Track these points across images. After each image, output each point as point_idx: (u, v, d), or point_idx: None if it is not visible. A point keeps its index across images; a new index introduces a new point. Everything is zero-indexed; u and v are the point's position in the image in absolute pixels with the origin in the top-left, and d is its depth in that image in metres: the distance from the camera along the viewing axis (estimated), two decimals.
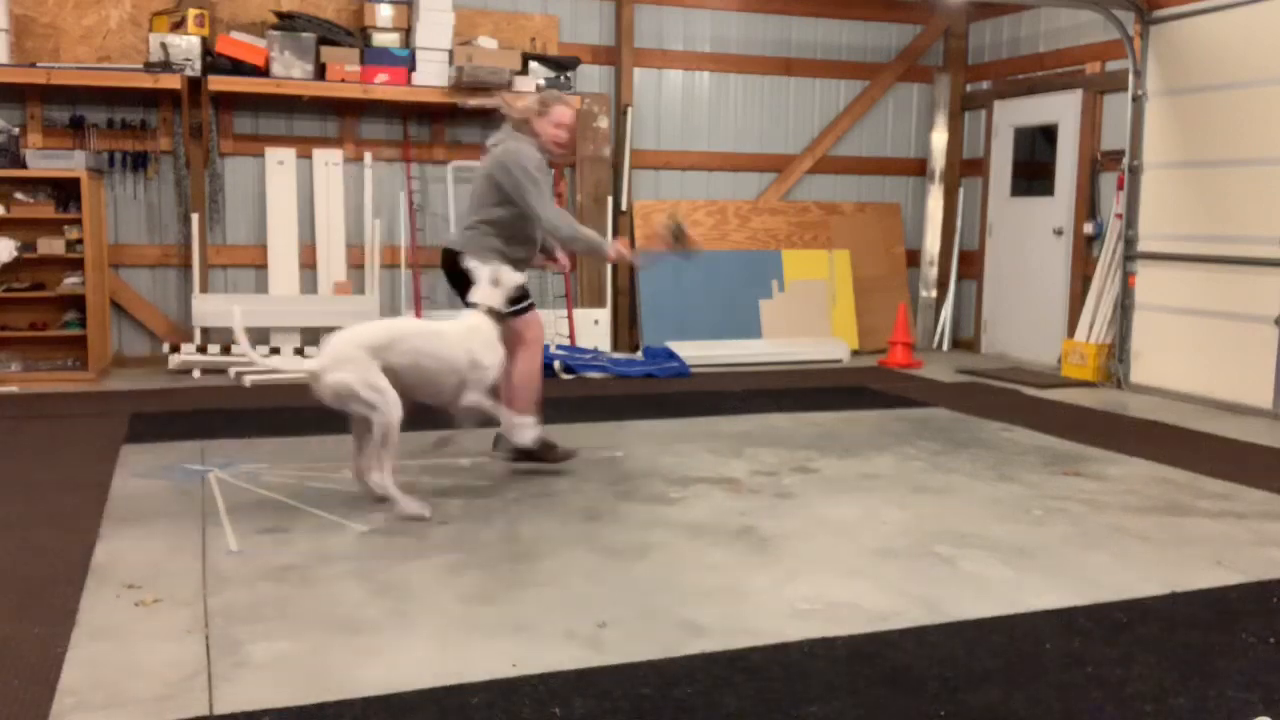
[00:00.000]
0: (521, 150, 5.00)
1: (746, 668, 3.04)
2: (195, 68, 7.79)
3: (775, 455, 5.72)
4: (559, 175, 9.13)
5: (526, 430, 5.17)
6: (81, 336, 7.60)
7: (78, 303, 7.62)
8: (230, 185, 8.43)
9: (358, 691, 2.84)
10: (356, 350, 4.46)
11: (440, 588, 3.65)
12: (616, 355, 8.87)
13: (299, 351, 8.24)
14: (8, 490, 4.78)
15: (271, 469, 5.19)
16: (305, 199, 8.53)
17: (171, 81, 7.74)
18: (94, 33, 8.00)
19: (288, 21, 8.11)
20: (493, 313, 4.85)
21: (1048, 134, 9.39)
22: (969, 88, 10.33)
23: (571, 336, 8.89)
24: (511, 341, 5.19)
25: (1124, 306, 8.20)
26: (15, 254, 7.42)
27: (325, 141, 8.62)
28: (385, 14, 8.33)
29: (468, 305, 4.99)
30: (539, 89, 8.59)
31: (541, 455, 5.24)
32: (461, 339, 4.71)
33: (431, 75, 8.27)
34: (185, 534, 4.18)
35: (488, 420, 4.94)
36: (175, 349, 8.09)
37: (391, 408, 4.44)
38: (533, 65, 8.62)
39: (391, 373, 4.50)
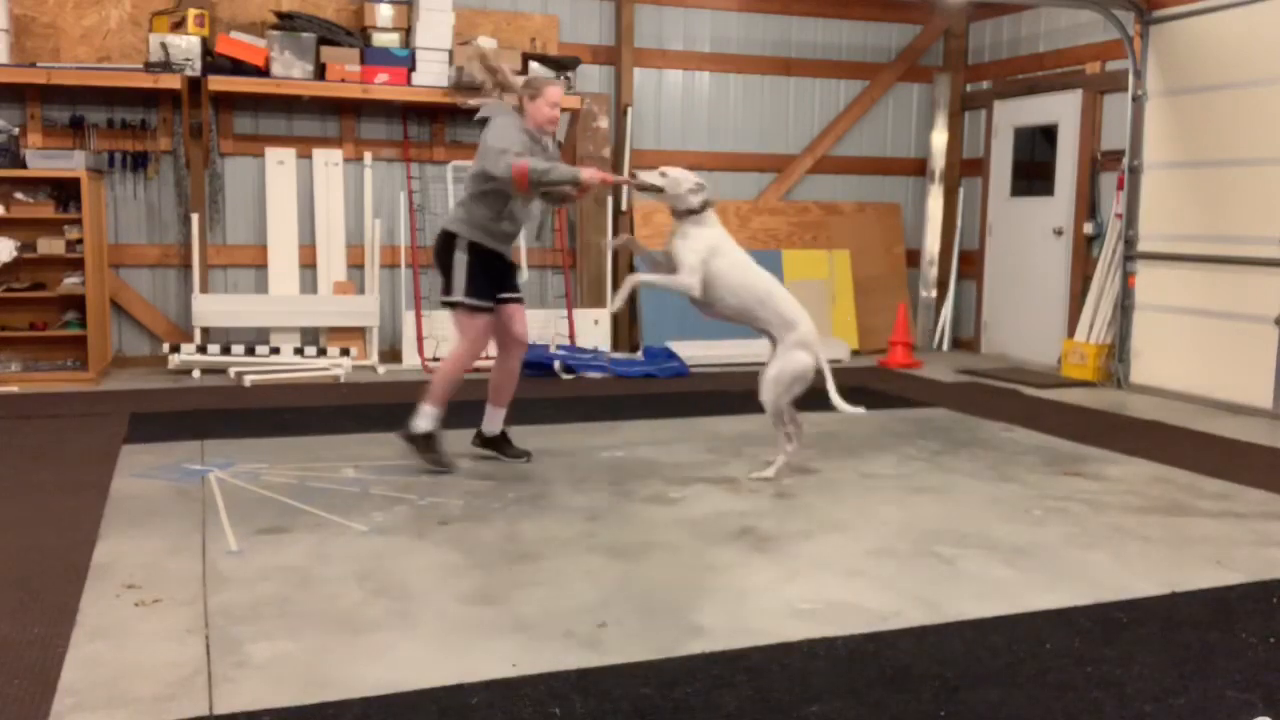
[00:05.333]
0: (499, 125, 5.01)
1: (746, 668, 3.04)
2: (195, 68, 7.79)
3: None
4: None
5: (426, 420, 5.13)
6: (81, 336, 7.59)
7: (78, 303, 7.61)
8: (230, 185, 8.43)
9: (358, 691, 2.84)
10: None
11: (440, 588, 3.65)
12: (616, 355, 8.87)
13: (299, 351, 8.24)
14: (8, 490, 4.77)
15: (271, 469, 5.19)
16: (305, 199, 8.54)
17: (171, 81, 7.74)
18: (94, 33, 8.00)
19: (288, 21, 8.11)
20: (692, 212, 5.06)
21: (1048, 134, 9.39)
22: (969, 88, 10.33)
23: (571, 336, 8.89)
24: (500, 332, 5.27)
25: (1124, 306, 8.20)
26: (15, 254, 7.42)
27: (325, 141, 8.62)
28: (385, 14, 8.33)
29: (445, 302, 5.13)
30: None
31: (424, 447, 5.15)
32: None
33: (431, 75, 8.27)
34: (185, 534, 4.18)
35: None
36: (175, 349, 8.09)
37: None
38: (533, 65, 8.62)
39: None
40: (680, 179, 5.09)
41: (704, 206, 5.10)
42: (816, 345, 5.13)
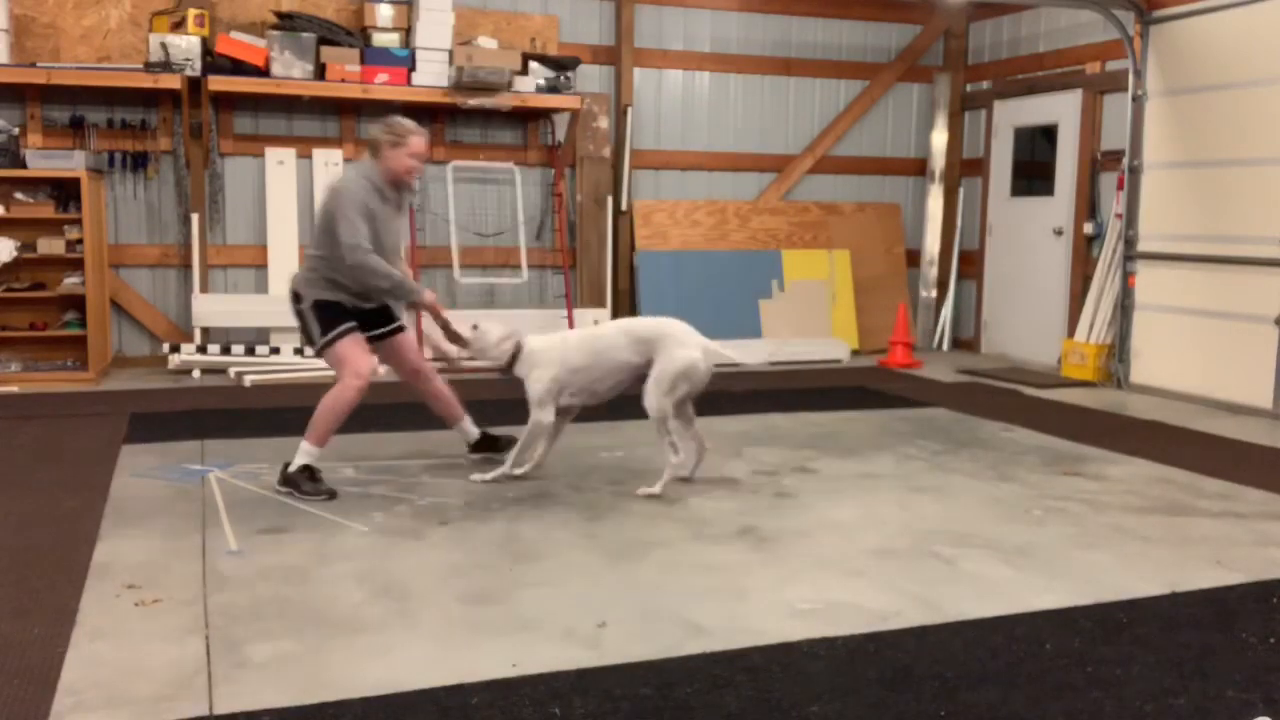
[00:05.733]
0: (349, 184, 4.78)
1: (746, 668, 3.04)
2: (195, 68, 7.79)
3: (775, 455, 5.72)
4: (559, 175, 9.14)
5: (304, 457, 4.82)
6: (81, 336, 7.60)
7: (78, 303, 7.61)
8: (230, 185, 8.43)
9: (358, 691, 2.84)
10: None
11: (440, 588, 3.65)
12: None
13: (299, 351, 8.24)
14: (8, 490, 4.77)
15: (271, 469, 5.18)
16: (305, 199, 8.53)
17: (171, 81, 7.74)
18: (94, 33, 8.00)
19: (288, 21, 8.11)
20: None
21: (1048, 134, 9.39)
22: (969, 88, 10.33)
23: None
24: (398, 367, 5.23)
25: (1124, 306, 8.20)
26: (15, 254, 7.42)
27: (325, 141, 8.62)
28: (385, 14, 8.33)
29: (318, 349, 4.92)
30: (540, 87, 8.61)
31: (306, 478, 4.78)
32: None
33: (431, 75, 8.28)
34: (185, 534, 4.18)
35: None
36: (175, 349, 8.09)
37: None
38: (533, 65, 8.63)
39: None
40: (485, 335, 5.04)
41: (514, 356, 5.02)
42: (696, 338, 4.93)
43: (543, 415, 4.99)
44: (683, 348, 4.88)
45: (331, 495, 4.74)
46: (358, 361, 4.82)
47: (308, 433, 4.82)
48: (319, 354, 5.00)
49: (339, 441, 5.69)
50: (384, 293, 4.89)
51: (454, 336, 5.07)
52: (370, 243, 4.74)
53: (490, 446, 5.43)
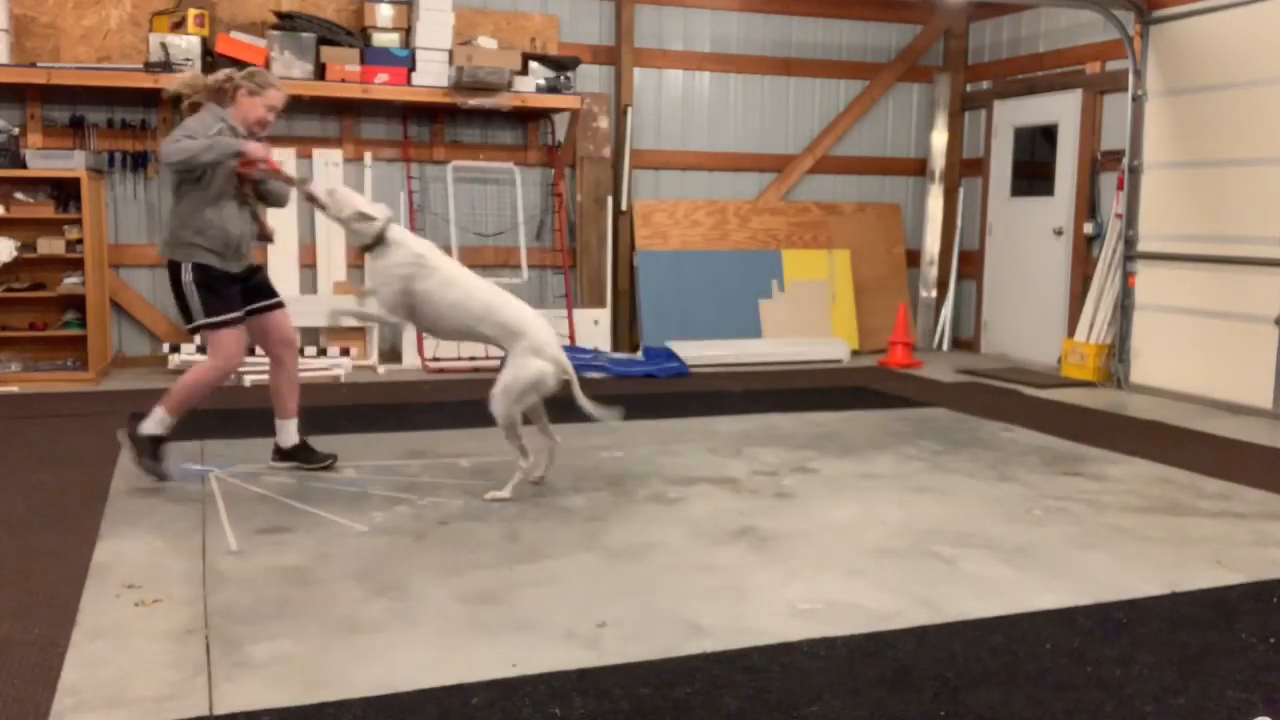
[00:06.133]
0: (191, 119, 4.72)
1: (746, 668, 3.04)
2: (195, 68, 7.78)
3: (775, 455, 5.72)
4: (559, 175, 9.14)
5: (156, 424, 4.86)
6: (81, 336, 7.60)
7: (78, 303, 7.62)
8: None
9: (358, 691, 2.84)
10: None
11: (440, 588, 3.65)
12: (616, 355, 8.87)
13: (299, 351, 8.22)
14: (8, 490, 4.77)
15: (271, 469, 5.19)
16: (305, 198, 8.50)
17: (171, 82, 7.72)
18: (94, 33, 8.00)
19: (288, 21, 8.11)
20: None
21: (1048, 134, 9.39)
22: (969, 88, 10.33)
23: (571, 336, 8.89)
24: (264, 341, 5.10)
25: (1124, 306, 8.20)
26: (15, 254, 7.42)
27: (325, 141, 8.62)
28: (385, 14, 8.33)
29: (190, 327, 4.89)
30: (540, 87, 8.61)
31: (146, 451, 4.84)
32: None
33: (431, 75, 8.28)
34: (185, 534, 4.18)
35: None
36: (175, 349, 8.09)
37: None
38: (533, 65, 8.63)
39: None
40: (343, 202, 4.81)
41: (379, 239, 4.78)
42: (553, 349, 4.74)
43: (383, 312, 4.81)
44: (538, 357, 4.68)
45: (166, 478, 4.85)
46: (235, 357, 4.88)
47: (166, 400, 4.87)
48: (194, 332, 5.00)
49: (339, 442, 5.69)
50: (209, 161, 4.61)
51: (309, 197, 4.93)
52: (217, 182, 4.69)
53: (303, 458, 5.17)
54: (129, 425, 4.90)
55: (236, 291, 4.89)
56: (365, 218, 4.79)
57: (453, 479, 5.10)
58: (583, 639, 3.23)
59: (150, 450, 4.86)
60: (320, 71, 8.09)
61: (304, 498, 4.71)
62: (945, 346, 10.28)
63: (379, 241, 4.82)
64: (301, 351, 8.22)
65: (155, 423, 4.86)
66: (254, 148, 4.75)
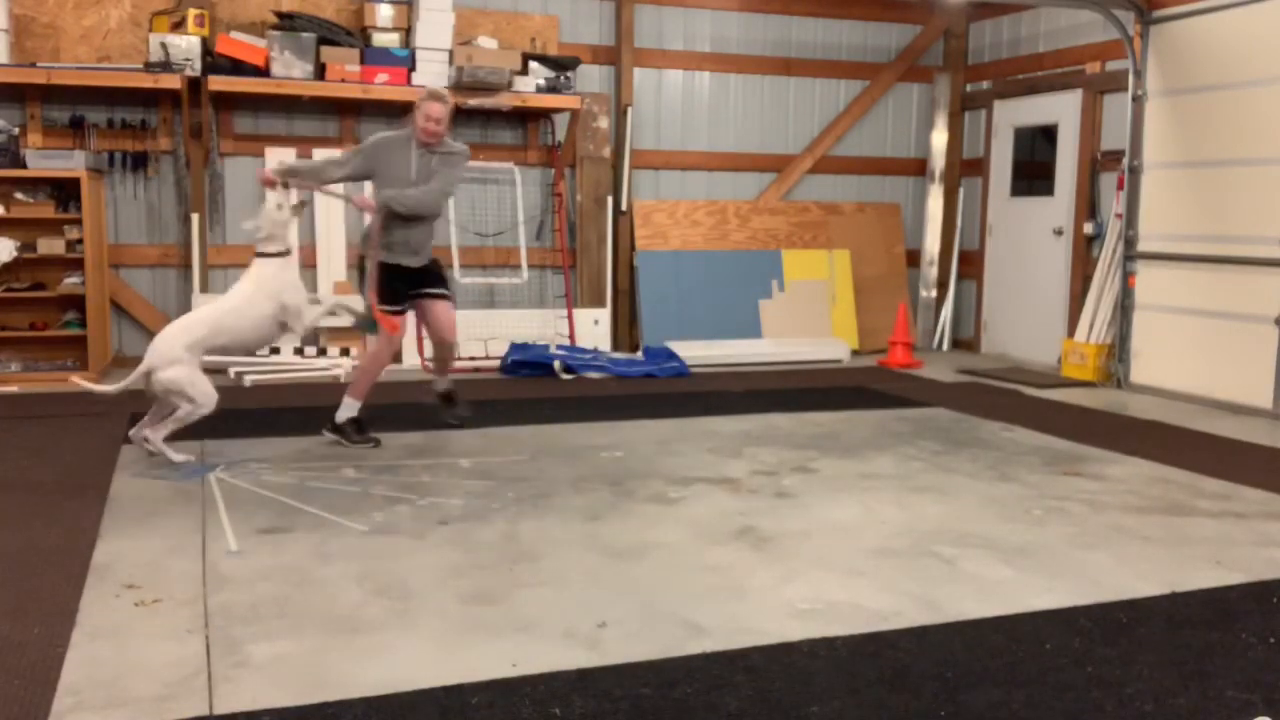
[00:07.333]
0: (385, 132, 5.98)
1: (746, 668, 3.04)
2: (195, 68, 7.79)
3: (775, 455, 5.72)
4: (559, 175, 9.14)
5: (348, 409, 5.75)
6: (81, 336, 7.59)
7: (78, 303, 7.61)
8: (230, 185, 8.42)
9: (358, 691, 2.84)
10: (183, 351, 5.20)
11: (440, 588, 3.65)
12: (616, 355, 8.87)
13: (299, 351, 8.24)
14: (8, 490, 4.78)
15: (271, 469, 5.19)
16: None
17: (171, 81, 7.74)
18: (94, 33, 8.00)
19: (288, 21, 8.11)
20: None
21: (1048, 134, 9.39)
22: (969, 88, 10.33)
23: (571, 336, 8.89)
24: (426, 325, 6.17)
25: (1124, 306, 8.20)
26: (15, 254, 7.42)
27: (325, 141, 8.62)
28: (385, 14, 8.33)
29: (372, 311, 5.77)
30: (540, 87, 8.63)
31: (353, 430, 5.73)
32: (262, 295, 5.40)
33: (431, 75, 8.27)
34: (185, 534, 4.18)
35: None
36: None
37: (209, 402, 5.24)
38: (533, 65, 8.63)
39: (217, 350, 5.45)
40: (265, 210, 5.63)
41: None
42: (153, 354, 5.23)
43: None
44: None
45: (376, 443, 5.64)
46: (395, 338, 5.85)
47: (351, 390, 5.78)
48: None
49: (337, 441, 5.71)
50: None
51: (266, 182, 5.71)
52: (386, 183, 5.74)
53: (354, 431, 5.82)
54: (329, 424, 5.74)
55: (405, 284, 5.85)
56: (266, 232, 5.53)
57: (453, 479, 5.10)
58: (583, 639, 3.23)
59: (356, 428, 5.69)
60: (320, 71, 8.09)
61: (304, 498, 4.71)
62: (945, 346, 10.28)
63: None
64: (301, 351, 8.25)
65: (347, 409, 5.72)
66: (257, 173, 5.94)
